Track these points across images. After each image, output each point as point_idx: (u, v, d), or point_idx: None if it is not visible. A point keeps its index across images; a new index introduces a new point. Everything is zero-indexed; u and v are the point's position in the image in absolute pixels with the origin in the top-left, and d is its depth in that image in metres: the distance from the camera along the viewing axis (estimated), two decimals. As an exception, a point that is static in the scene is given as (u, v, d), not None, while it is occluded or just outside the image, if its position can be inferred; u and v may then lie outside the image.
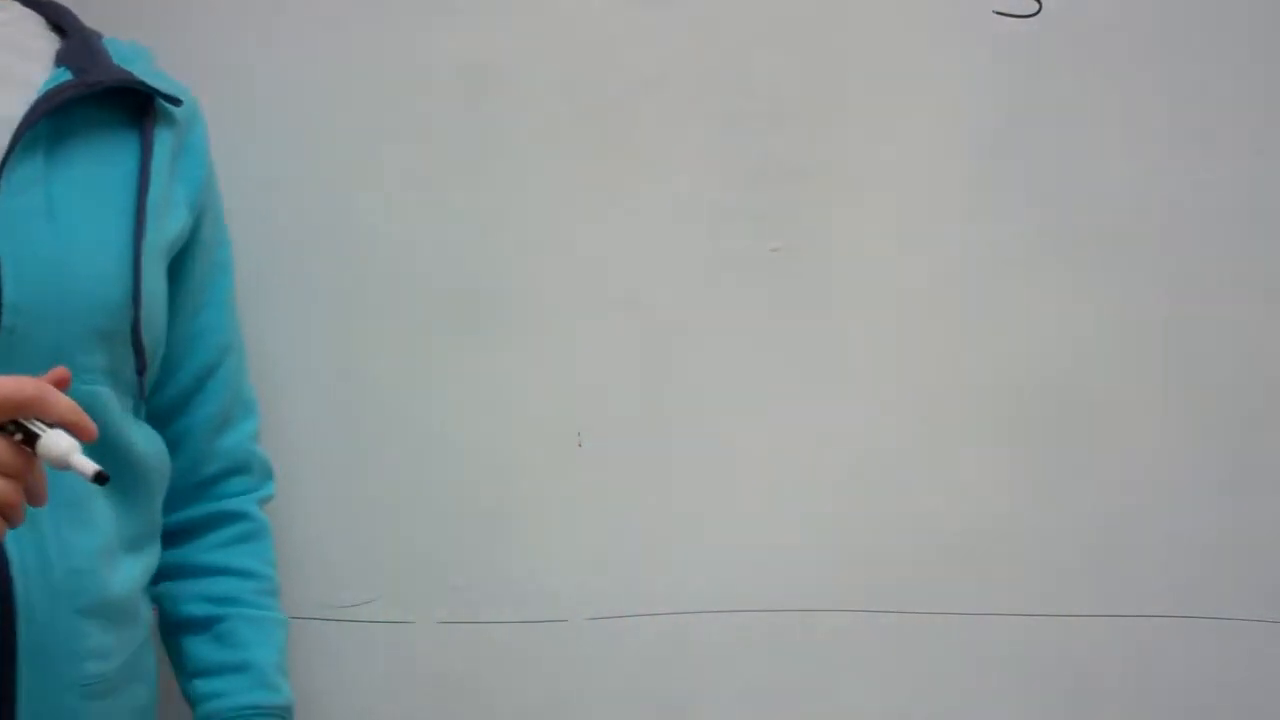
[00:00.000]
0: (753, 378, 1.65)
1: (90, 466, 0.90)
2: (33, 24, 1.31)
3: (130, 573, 1.26)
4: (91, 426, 0.94)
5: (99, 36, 1.33)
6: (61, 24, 1.32)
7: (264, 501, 1.48)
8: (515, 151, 1.64)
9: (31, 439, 0.90)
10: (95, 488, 1.00)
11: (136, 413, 1.30)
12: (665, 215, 1.64)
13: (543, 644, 1.67)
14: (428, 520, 1.67)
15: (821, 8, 1.61)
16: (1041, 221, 1.62)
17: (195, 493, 1.41)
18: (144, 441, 1.29)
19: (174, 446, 1.36)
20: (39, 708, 1.14)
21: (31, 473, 0.92)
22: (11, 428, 0.90)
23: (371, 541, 1.68)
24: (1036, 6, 1.59)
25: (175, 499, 1.38)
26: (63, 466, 0.90)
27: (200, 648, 1.38)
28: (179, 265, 1.34)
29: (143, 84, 1.27)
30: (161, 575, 1.38)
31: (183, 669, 1.40)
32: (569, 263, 1.65)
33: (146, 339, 1.24)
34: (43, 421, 0.91)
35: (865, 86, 1.62)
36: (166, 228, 1.29)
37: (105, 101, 1.25)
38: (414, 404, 1.66)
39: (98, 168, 1.23)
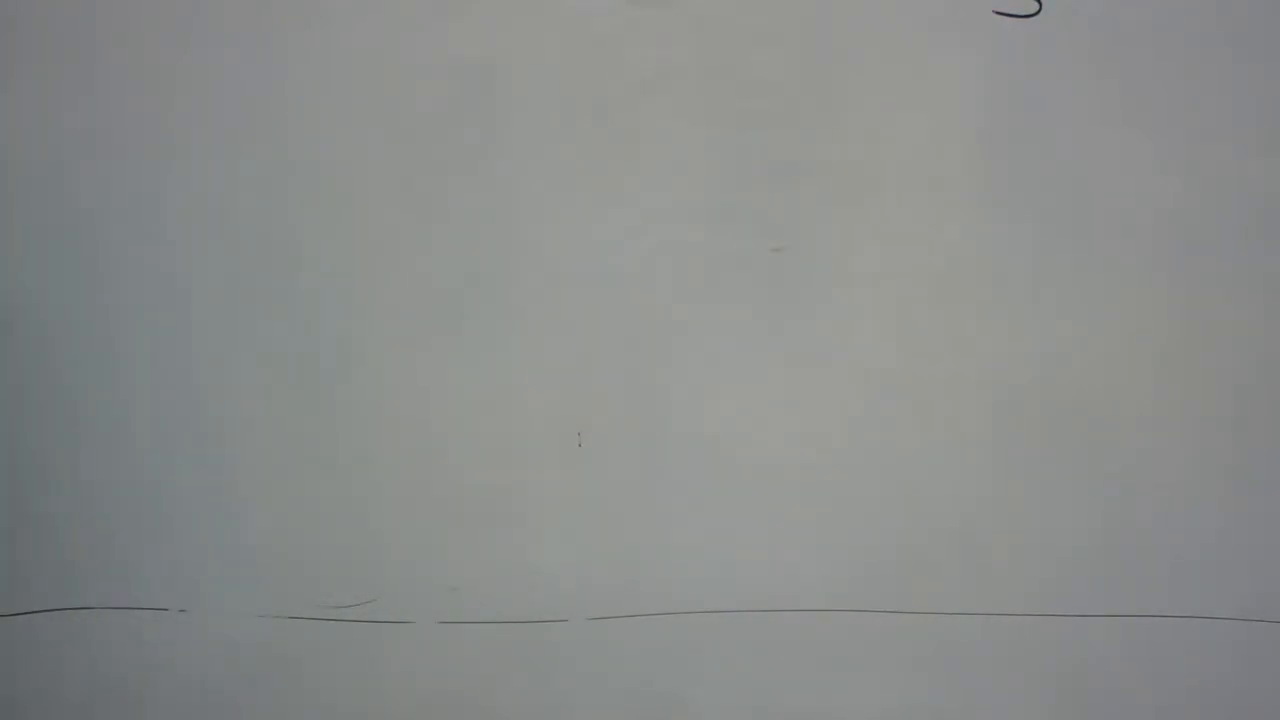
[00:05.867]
0: (753, 377, 1.65)
1: None
2: None
3: None
4: None
5: None
6: None
7: None
8: (515, 151, 1.63)
9: None
10: None
11: None
12: (665, 215, 1.64)
13: (543, 644, 1.67)
14: (428, 520, 1.67)
15: (821, 8, 1.61)
16: (1041, 221, 1.62)
17: None
18: None
19: None
20: None
21: None
22: None
23: (371, 541, 1.68)
24: (1036, 6, 1.59)
25: None
26: None
27: None
28: None
29: None
30: None
31: None
32: (569, 262, 1.65)
33: None
34: None
35: (865, 86, 1.62)
36: None
37: None
38: (414, 404, 1.66)
39: None
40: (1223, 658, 1.65)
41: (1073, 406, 1.64)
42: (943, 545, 1.65)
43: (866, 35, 1.61)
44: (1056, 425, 1.64)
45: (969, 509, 1.65)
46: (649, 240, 1.64)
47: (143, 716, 1.72)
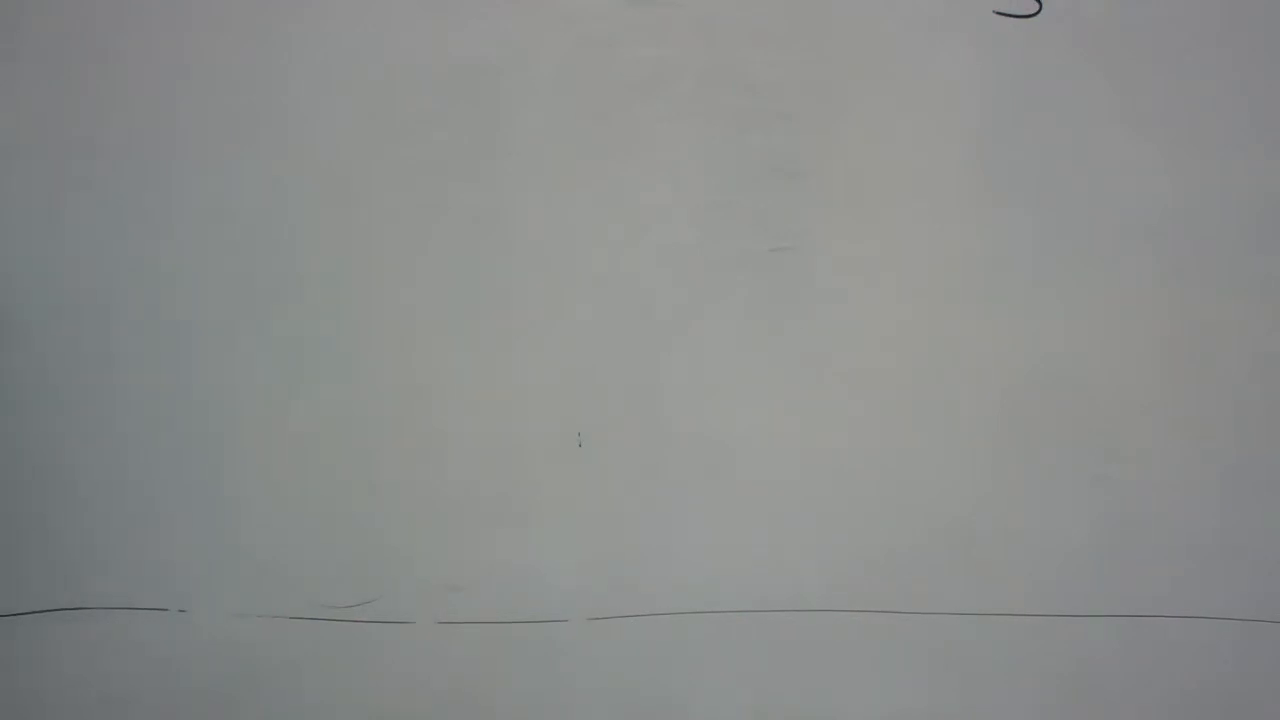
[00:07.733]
0: (752, 377, 1.65)
1: None
2: None
3: None
4: None
5: None
6: None
7: None
8: (515, 151, 1.64)
9: None
10: None
11: None
12: (665, 215, 1.64)
13: (543, 644, 1.67)
14: (428, 520, 1.67)
15: (821, 8, 1.61)
16: (1041, 221, 1.62)
17: None
18: None
19: None
20: None
21: None
22: None
23: (371, 541, 1.68)
24: (1036, 7, 1.59)
25: None
26: None
27: None
28: None
29: None
30: None
31: None
32: (569, 263, 1.65)
33: None
34: None
35: (865, 86, 1.62)
36: None
37: None
38: (414, 404, 1.66)
39: None
40: (1223, 658, 1.65)
41: (1072, 406, 1.64)
42: (942, 545, 1.65)
43: (866, 36, 1.61)
44: (1056, 425, 1.64)
45: (968, 509, 1.65)
46: (648, 240, 1.64)
47: (142, 716, 1.72)
